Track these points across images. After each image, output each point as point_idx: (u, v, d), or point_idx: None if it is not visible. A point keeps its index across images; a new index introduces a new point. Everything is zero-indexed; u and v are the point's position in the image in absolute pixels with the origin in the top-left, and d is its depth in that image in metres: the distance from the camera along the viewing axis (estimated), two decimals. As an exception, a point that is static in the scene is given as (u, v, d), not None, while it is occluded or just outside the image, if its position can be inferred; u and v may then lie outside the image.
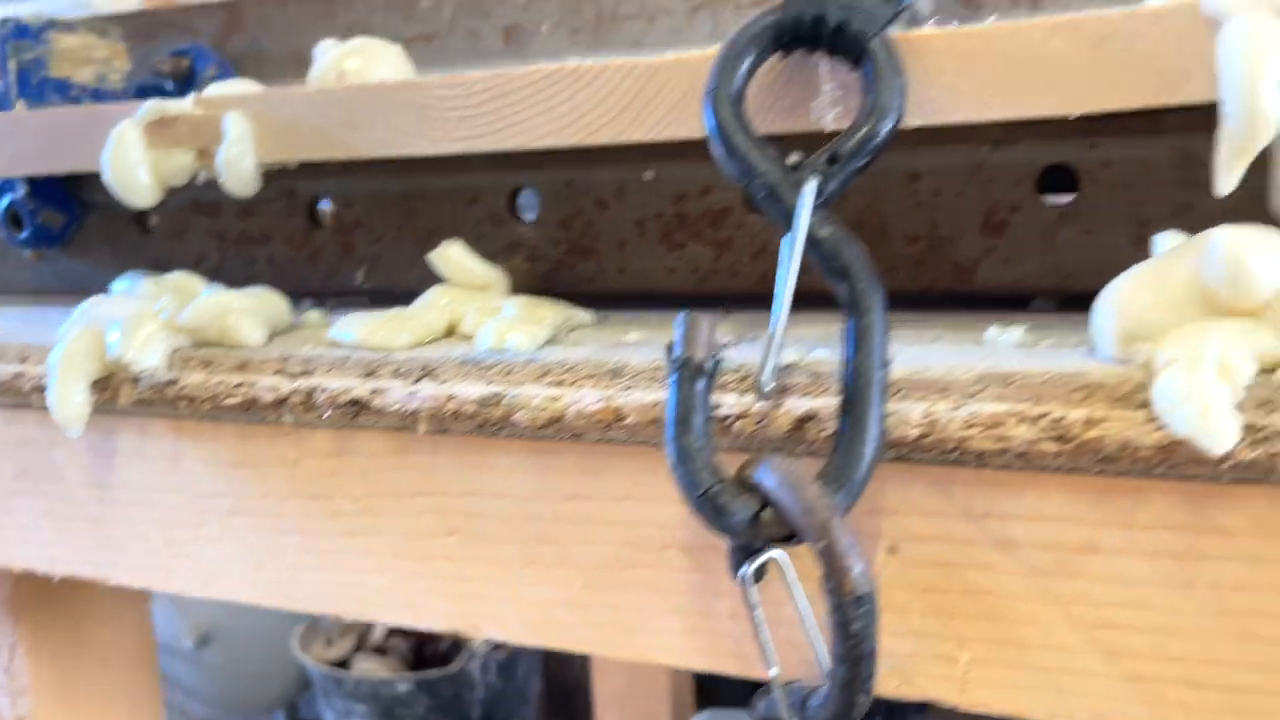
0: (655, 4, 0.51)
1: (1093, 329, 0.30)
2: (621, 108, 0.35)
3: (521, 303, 0.39)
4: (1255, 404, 0.26)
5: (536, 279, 0.45)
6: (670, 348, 0.29)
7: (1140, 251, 0.35)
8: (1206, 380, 0.25)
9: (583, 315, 0.40)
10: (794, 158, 0.30)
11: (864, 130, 0.29)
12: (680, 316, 0.29)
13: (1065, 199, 0.36)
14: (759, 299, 0.34)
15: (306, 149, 0.40)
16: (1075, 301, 0.34)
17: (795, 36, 0.31)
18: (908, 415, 0.29)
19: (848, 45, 0.30)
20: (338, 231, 0.48)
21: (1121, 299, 0.29)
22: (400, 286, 0.45)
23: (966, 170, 0.37)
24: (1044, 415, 0.28)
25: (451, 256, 0.40)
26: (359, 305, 0.48)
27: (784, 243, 0.30)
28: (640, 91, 0.35)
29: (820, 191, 0.29)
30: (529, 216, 0.44)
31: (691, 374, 0.29)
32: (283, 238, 0.49)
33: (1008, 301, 0.38)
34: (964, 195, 0.37)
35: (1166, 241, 0.31)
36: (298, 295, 0.49)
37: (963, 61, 0.30)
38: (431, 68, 0.57)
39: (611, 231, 0.43)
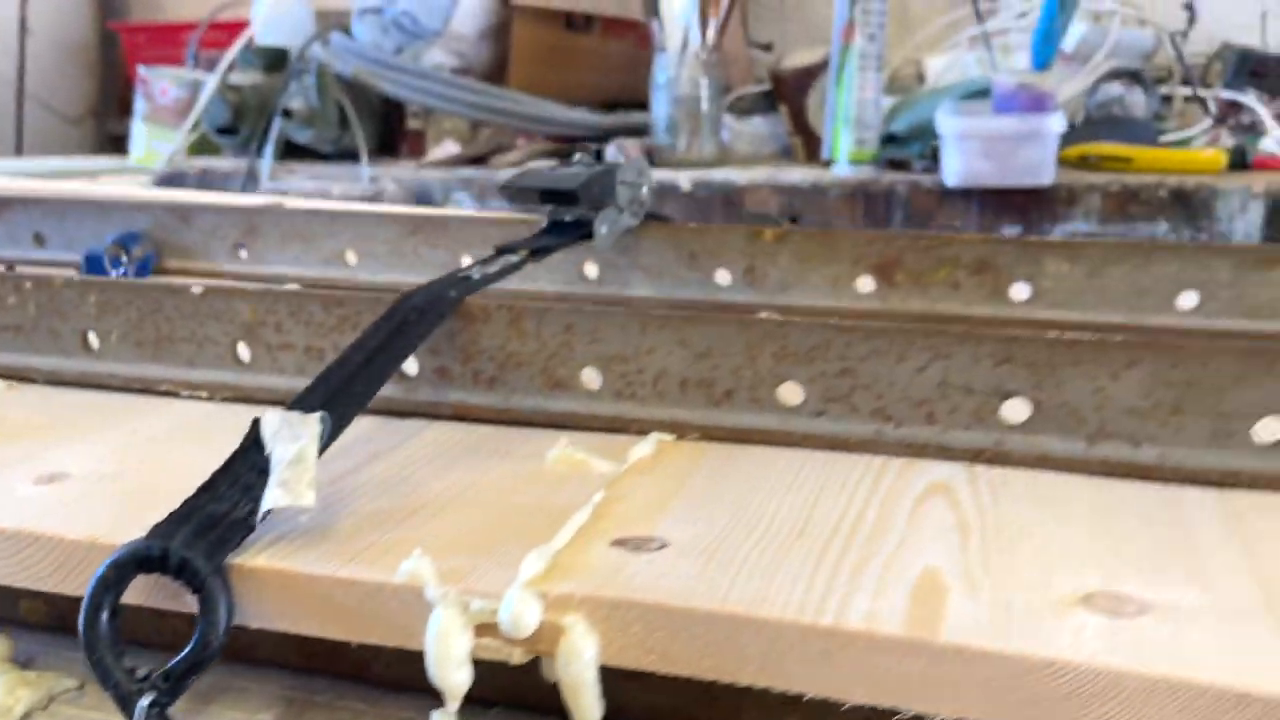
0: (204, 333, 0.59)
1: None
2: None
3: (3, 683, 0.47)
4: None
5: (54, 620, 0.53)
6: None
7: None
8: None
9: (67, 682, 0.48)
10: (143, 671, 0.39)
11: (191, 659, 0.39)
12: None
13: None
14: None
15: None
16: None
17: (150, 566, 0.40)
18: None
19: (189, 579, 0.39)
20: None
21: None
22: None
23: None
24: None
25: (-51, 634, 0.48)
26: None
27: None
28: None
29: (156, 704, 0.39)
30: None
31: None
32: None
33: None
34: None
35: None
36: None
37: (285, 591, 0.40)
38: (22, 356, 0.63)
39: (109, 593, 0.51)
